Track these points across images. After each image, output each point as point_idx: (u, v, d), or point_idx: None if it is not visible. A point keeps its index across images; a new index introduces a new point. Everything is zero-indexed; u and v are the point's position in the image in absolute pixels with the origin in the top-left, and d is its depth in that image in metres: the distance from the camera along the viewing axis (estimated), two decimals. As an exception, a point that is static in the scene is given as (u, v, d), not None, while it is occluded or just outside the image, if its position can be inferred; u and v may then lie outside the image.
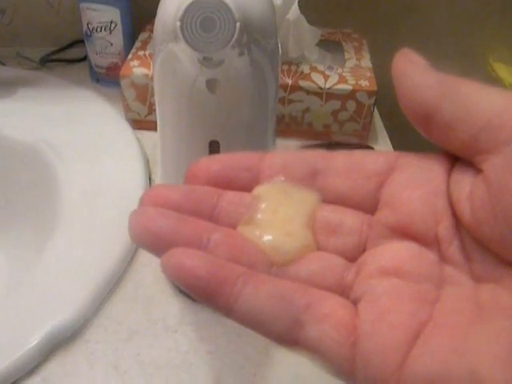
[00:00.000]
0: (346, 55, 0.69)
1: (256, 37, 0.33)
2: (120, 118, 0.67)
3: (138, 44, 0.70)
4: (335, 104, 0.64)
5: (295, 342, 0.21)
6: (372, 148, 0.65)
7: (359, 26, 0.78)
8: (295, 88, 0.63)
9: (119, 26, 0.71)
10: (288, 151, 0.26)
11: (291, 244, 0.23)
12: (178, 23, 0.28)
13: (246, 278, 0.21)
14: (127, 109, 0.67)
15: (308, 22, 0.65)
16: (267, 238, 0.23)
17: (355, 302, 0.22)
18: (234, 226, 0.24)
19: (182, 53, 0.31)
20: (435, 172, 0.23)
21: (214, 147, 0.38)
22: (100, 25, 0.70)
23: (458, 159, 0.23)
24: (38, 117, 0.65)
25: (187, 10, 0.28)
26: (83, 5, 0.69)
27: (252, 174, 0.25)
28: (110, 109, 0.68)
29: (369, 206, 0.24)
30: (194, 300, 0.48)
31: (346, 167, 0.24)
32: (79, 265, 0.49)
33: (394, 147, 0.68)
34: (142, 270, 0.51)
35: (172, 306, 0.48)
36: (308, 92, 0.64)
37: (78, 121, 0.66)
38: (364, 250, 0.24)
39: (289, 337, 0.21)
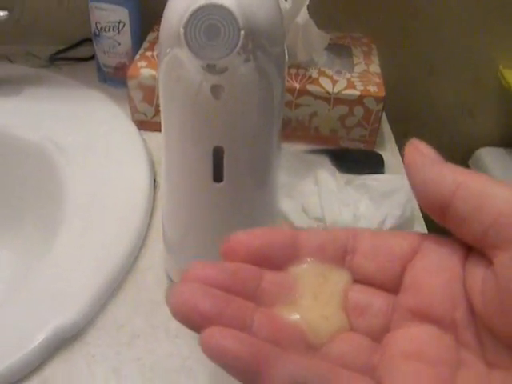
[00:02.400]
0: (355, 60, 0.69)
1: (262, 43, 0.32)
2: (126, 119, 0.67)
3: (145, 44, 0.70)
4: (343, 109, 0.64)
5: None
6: (379, 154, 0.65)
7: (368, 29, 0.77)
8: (303, 92, 0.63)
9: (127, 26, 0.70)
10: (321, 230, 0.28)
11: (328, 327, 0.25)
12: (182, 30, 0.28)
13: (284, 359, 0.22)
14: (134, 110, 0.67)
15: (317, 25, 0.64)
16: (306, 319, 0.25)
17: (379, 383, 0.23)
18: (273, 306, 0.25)
19: (187, 58, 0.31)
20: (454, 259, 0.25)
21: (218, 153, 0.37)
22: (108, 24, 0.70)
23: (473, 247, 0.25)
24: (44, 116, 0.65)
25: (191, 16, 0.27)
26: (92, 4, 0.69)
27: (290, 252, 0.26)
28: (117, 109, 0.68)
29: (392, 286, 0.26)
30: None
31: (372, 248, 0.26)
32: (82, 266, 0.48)
33: (401, 153, 0.68)
34: (145, 272, 0.51)
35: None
36: (316, 96, 0.63)
37: (85, 121, 0.66)
38: (388, 331, 0.25)
39: None
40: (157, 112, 0.66)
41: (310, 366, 0.23)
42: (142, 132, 0.66)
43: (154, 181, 0.60)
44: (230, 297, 0.24)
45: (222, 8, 0.27)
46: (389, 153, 0.67)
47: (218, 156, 0.37)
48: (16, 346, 0.42)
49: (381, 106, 0.63)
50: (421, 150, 0.25)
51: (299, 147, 0.66)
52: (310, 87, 0.63)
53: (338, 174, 0.58)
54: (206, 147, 0.37)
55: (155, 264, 0.51)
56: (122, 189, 0.57)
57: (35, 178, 0.62)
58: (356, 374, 0.23)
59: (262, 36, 0.31)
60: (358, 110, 0.64)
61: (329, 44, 0.67)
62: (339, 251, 0.26)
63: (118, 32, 0.71)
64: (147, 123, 0.67)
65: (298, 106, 0.64)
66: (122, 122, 0.66)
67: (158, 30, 0.71)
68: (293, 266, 0.26)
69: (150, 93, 0.65)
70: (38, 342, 0.42)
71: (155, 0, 0.70)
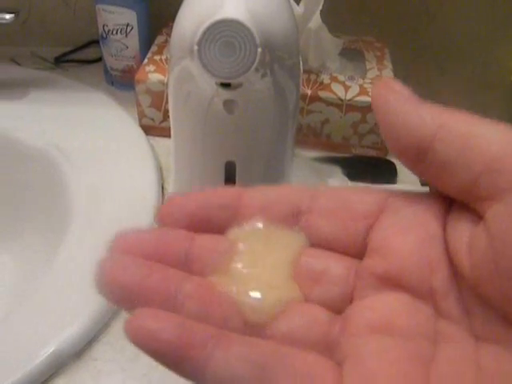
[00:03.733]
0: (368, 65, 0.67)
1: (279, 56, 0.31)
2: (134, 123, 0.66)
3: (154, 48, 0.68)
4: (355, 116, 0.62)
5: None
6: (392, 162, 0.63)
7: (381, 33, 0.76)
8: (314, 99, 0.62)
9: (135, 29, 0.69)
10: (269, 187, 0.23)
11: (273, 301, 0.21)
12: (196, 47, 0.26)
13: (217, 339, 0.19)
14: (142, 114, 0.66)
15: (329, 29, 0.63)
16: (245, 293, 0.21)
17: (340, 364, 0.20)
18: (207, 275, 0.21)
19: (199, 73, 0.29)
20: (430, 214, 0.21)
21: (230, 168, 0.36)
22: (116, 27, 0.69)
23: (454, 200, 0.21)
24: (50, 120, 0.64)
25: (205, 33, 0.26)
26: (99, 6, 0.68)
27: (229, 214, 0.22)
28: (124, 113, 0.67)
29: (356, 250, 0.22)
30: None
31: (331, 207, 0.22)
32: (87, 278, 0.47)
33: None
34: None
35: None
36: (327, 103, 0.62)
37: (91, 125, 0.65)
38: (351, 301, 0.21)
39: None
40: (165, 117, 0.65)
41: (248, 347, 0.19)
42: (150, 137, 0.65)
43: (162, 187, 0.59)
44: (154, 265, 0.21)
45: (237, 24, 0.26)
46: (401, 160, 0.66)
47: (230, 171, 0.36)
48: (20, 362, 0.41)
49: (394, 113, 0.62)
50: (392, 87, 0.21)
51: (310, 154, 0.64)
52: (322, 93, 0.62)
53: (349, 183, 0.57)
54: (217, 162, 0.36)
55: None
56: (129, 195, 0.56)
57: (39, 184, 0.61)
58: (310, 354, 0.20)
59: (278, 49, 0.30)
60: (371, 117, 0.62)
61: (341, 48, 0.66)
62: (291, 211, 0.22)
63: (126, 35, 0.69)
64: (155, 128, 0.66)
65: (309, 112, 0.63)
66: (129, 126, 0.65)
67: (167, 34, 0.71)
68: (233, 229, 0.22)
69: (158, 98, 0.64)
70: (42, 358, 0.41)
71: (164, 3, 0.70)
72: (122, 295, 0.20)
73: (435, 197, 0.21)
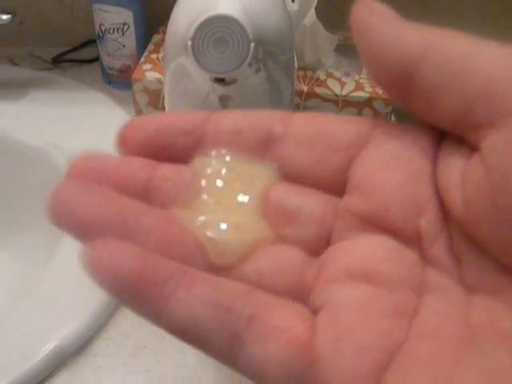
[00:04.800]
0: (363, 61, 0.68)
1: (272, 52, 0.31)
2: (132, 122, 0.66)
3: (150, 47, 0.69)
4: (351, 111, 0.63)
5: (234, 361, 0.17)
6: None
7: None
8: (311, 95, 0.62)
9: (132, 28, 0.69)
10: (239, 111, 0.21)
11: (241, 241, 0.18)
12: (190, 43, 0.27)
13: (179, 277, 0.17)
14: (139, 113, 0.66)
15: (324, 25, 0.63)
16: (209, 231, 0.18)
17: (315, 312, 0.17)
18: (168, 209, 0.19)
19: (193, 69, 0.30)
20: (418, 148, 0.18)
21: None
22: (112, 26, 0.69)
23: (446, 133, 0.19)
24: (49, 120, 0.65)
25: (199, 29, 0.26)
26: (96, 6, 0.68)
27: (194, 139, 0.20)
28: (122, 112, 0.67)
29: (334, 186, 0.19)
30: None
31: (308, 135, 0.19)
32: (87, 274, 0.47)
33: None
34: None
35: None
36: (324, 99, 0.62)
37: (89, 124, 0.65)
38: (328, 243, 0.19)
39: (227, 355, 0.17)
40: (162, 115, 0.65)
41: (212, 287, 0.17)
42: (148, 136, 0.65)
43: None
44: (112, 195, 0.19)
45: (230, 19, 0.26)
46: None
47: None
48: (21, 358, 0.41)
49: (390, 108, 0.62)
50: (373, 8, 0.19)
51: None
52: (318, 90, 0.62)
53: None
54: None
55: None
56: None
57: (38, 183, 0.61)
58: (281, 299, 0.17)
59: (272, 45, 0.30)
60: (367, 112, 0.63)
61: (336, 44, 0.66)
62: (262, 139, 0.20)
63: (123, 34, 0.70)
64: (153, 127, 0.66)
65: (305, 108, 0.63)
66: (127, 125, 0.65)
67: (164, 32, 0.71)
68: (198, 158, 0.20)
69: (155, 96, 0.64)
70: (43, 354, 0.41)
71: (160, 1, 0.70)
72: (77, 226, 0.19)
73: (425, 129, 0.19)
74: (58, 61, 0.79)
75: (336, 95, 0.62)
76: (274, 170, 0.19)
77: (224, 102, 0.32)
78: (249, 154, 0.20)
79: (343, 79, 0.63)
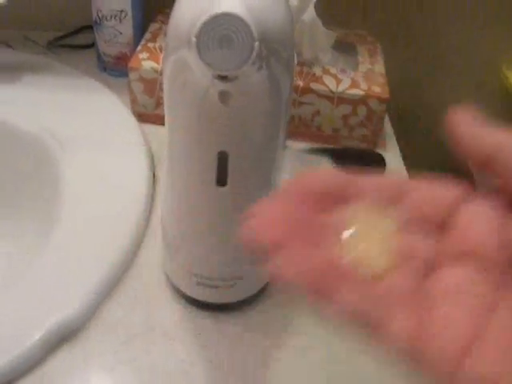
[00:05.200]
0: (360, 59, 0.68)
1: (275, 50, 0.31)
2: (126, 110, 0.66)
3: (147, 35, 0.68)
4: (346, 108, 0.63)
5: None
6: (381, 155, 0.64)
7: (373, 28, 0.76)
8: (306, 90, 0.62)
9: (129, 16, 0.69)
10: (375, 176, 0.29)
11: (378, 266, 0.26)
12: (194, 39, 0.27)
13: (342, 281, 0.25)
14: (134, 102, 0.66)
15: (322, 22, 0.63)
16: (361, 255, 0.26)
17: (426, 310, 0.25)
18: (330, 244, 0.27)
19: (195, 64, 0.30)
20: (498, 208, 0.26)
21: (222, 158, 0.36)
22: (110, 13, 0.69)
23: None
24: (42, 105, 0.64)
25: (204, 26, 0.26)
26: (94, -8, 0.68)
27: (346, 194, 0.27)
28: (117, 100, 0.67)
29: (439, 231, 0.27)
30: (194, 306, 0.47)
31: (422, 194, 0.27)
32: (79, 262, 0.48)
33: (401, 151, 0.67)
34: (144, 271, 0.50)
35: (171, 312, 0.47)
36: (319, 95, 0.62)
37: (84, 111, 0.65)
38: (434, 269, 0.26)
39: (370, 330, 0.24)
40: (157, 105, 0.65)
41: (369, 293, 0.25)
42: (142, 125, 0.65)
43: (153, 174, 0.59)
44: (296, 224, 0.26)
45: (236, 18, 0.26)
46: (390, 153, 0.67)
47: (222, 161, 0.37)
48: (13, 343, 0.41)
49: (384, 107, 0.62)
50: (463, 114, 0.27)
51: (300, 145, 0.65)
52: (314, 85, 0.62)
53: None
54: (210, 152, 0.36)
55: (153, 262, 0.51)
56: (121, 182, 0.56)
57: (32, 168, 0.61)
58: (403, 303, 0.25)
59: (275, 42, 0.30)
60: (362, 110, 0.63)
61: (333, 42, 0.66)
62: (392, 195, 0.27)
63: (120, 21, 0.69)
64: (147, 116, 0.67)
65: (301, 104, 0.63)
66: (121, 113, 0.65)
67: (162, 21, 0.71)
68: (350, 207, 0.27)
69: (151, 85, 0.64)
70: (35, 339, 0.42)
71: (159, -10, 0.70)
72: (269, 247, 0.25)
73: (506, 195, 0.26)
74: (53, 45, 0.78)
75: (332, 92, 0.62)
76: (398, 217, 0.27)
77: (223, 98, 0.33)
78: (384, 205, 0.27)
79: (339, 76, 0.64)
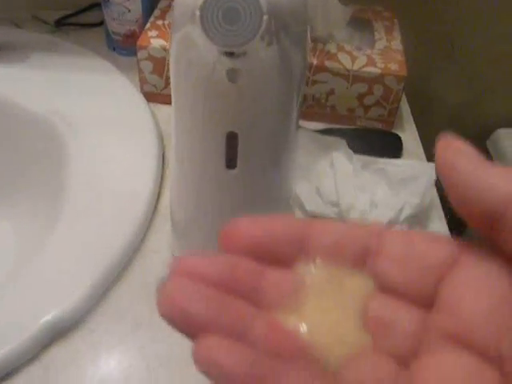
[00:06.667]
0: (376, 35, 0.66)
1: (285, 24, 0.29)
2: (135, 90, 0.64)
3: (157, 12, 0.67)
4: (362, 87, 0.61)
5: None
6: (398, 136, 0.62)
7: (389, 1, 0.74)
8: (320, 68, 0.60)
9: (138, -7, 0.67)
10: (336, 223, 0.23)
11: (344, 351, 0.21)
12: (198, 13, 0.25)
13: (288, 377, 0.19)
14: (143, 81, 0.64)
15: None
16: (317, 340, 0.21)
17: None
18: (273, 312, 0.21)
19: (200, 39, 0.28)
20: (503, 275, 0.21)
21: (231, 139, 0.35)
22: (118, -10, 0.67)
23: None
24: (50, 85, 0.63)
25: (209, -2, 0.25)
26: (102, -32, 0.66)
27: (297, 247, 0.22)
28: (126, 79, 0.65)
29: (424, 301, 0.22)
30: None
31: (401, 252, 0.22)
32: (86, 247, 0.47)
33: (419, 131, 0.65)
34: (152, 255, 0.49)
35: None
36: (333, 73, 0.60)
37: (92, 91, 0.64)
38: (416, 355, 0.21)
39: None
40: (167, 84, 0.64)
41: None
42: (151, 104, 0.64)
43: (163, 154, 0.58)
44: (226, 300, 0.20)
45: (243, -12, 0.24)
46: (407, 134, 0.65)
47: (231, 142, 0.35)
48: (17, 331, 0.40)
49: (401, 85, 0.60)
50: (458, 149, 0.21)
51: (314, 125, 0.63)
52: (328, 63, 0.60)
53: (354, 157, 0.56)
54: (218, 133, 0.35)
55: (162, 247, 0.49)
56: (129, 164, 0.55)
57: (40, 149, 0.60)
58: None
59: (285, 17, 0.28)
60: (378, 89, 0.61)
61: (349, 18, 0.64)
62: (359, 251, 0.22)
63: (129, -2, 0.68)
64: (157, 95, 0.65)
65: (314, 82, 0.61)
66: (130, 93, 0.64)
67: (171, -2, 0.69)
68: (301, 265, 0.22)
69: (160, 64, 0.62)
70: (38, 327, 0.41)
71: (168, -35, 0.68)
72: (192, 329, 0.20)
73: (507, 257, 0.21)
74: (61, 24, 0.77)
75: (347, 70, 0.60)
76: (370, 281, 0.22)
77: (231, 76, 0.31)
78: (347, 265, 0.22)
79: (354, 53, 0.61)
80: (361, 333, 0.21)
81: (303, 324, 0.21)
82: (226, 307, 0.20)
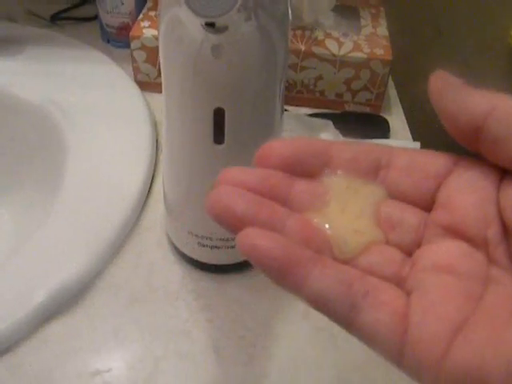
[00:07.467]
0: (363, 22, 0.67)
1: (263, 1, 0.31)
2: (129, 80, 0.66)
3: (149, 4, 0.68)
4: (349, 72, 0.63)
5: (350, 324, 0.23)
6: (385, 119, 0.64)
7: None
8: (308, 54, 0.62)
9: (131, -15, 0.69)
10: (355, 143, 0.27)
11: (358, 241, 0.25)
12: (181, -14, 0.27)
13: (315, 261, 0.23)
14: (137, 70, 0.66)
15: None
16: (336, 232, 0.25)
17: (408, 294, 0.24)
18: (304, 213, 0.25)
19: (186, 17, 0.30)
20: (487, 180, 0.25)
21: (219, 115, 0.37)
22: (111, -17, 0.69)
23: (507, 170, 0.25)
24: (46, 76, 0.64)
25: (190, -28, 0.26)
26: (95, -38, 0.68)
27: (321, 161, 0.26)
28: (120, 70, 0.67)
29: (425, 204, 0.26)
30: (196, 267, 0.47)
31: (407, 165, 0.26)
32: (82, 226, 0.48)
33: (406, 117, 0.67)
34: (146, 233, 0.50)
35: (173, 273, 0.47)
36: (321, 59, 0.62)
37: (87, 82, 0.65)
38: (419, 246, 0.25)
39: (345, 319, 0.23)
40: (160, 73, 0.65)
41: (338, 270, 0.23)
42: (145, 93, 0.65)
43: (157, 142, 0.59)
44: (263, 200, 0.24)
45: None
46: (395, 117, 0.66)
47: (219, 118, 0.37)
48: (15, 306, 0.42)
49: (387, 69, 0.62)
50: (447, 80, 0.25)
51: (304, 111, 0.65)
52: (316, 49, 0.62)
53: (341, 137, 0.57)
54: (206, 108, 0.36)
55: (156, 225, 0.51)
56: (124, 150, 0.56)
57: (36, 139, 0.62)
58: (387, 282, 0.24)
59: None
60: (365, 73, 0.63)
61: (335, 5, 0.66)
62: (373, 165, 0.26)
63: (121, -9, 0.69)
64: (150, 84, 0.67)
65: (303, 68, 0.63)
66: (124, 82, 0.65)
67: (162, -11, 0.70)
68: (324, 177, 0.26)
69: (152, 53, 0.64)
70: (36, 302, 0.42)
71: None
72: (236, 224, 0.23)
73: (492, 166, 0.25)
74: (56, 18, 0.78)
75: (334, 55, 0.62)
76: (382, 189, 0.26)
77: (216, 52, 0.33)
78: (363, 176, 0.26)
79: (341, 39, 0.63)
80: (375, 227, 0.25)
81: (327, 222, 0.25)
82: (263, 206, 0.24)
